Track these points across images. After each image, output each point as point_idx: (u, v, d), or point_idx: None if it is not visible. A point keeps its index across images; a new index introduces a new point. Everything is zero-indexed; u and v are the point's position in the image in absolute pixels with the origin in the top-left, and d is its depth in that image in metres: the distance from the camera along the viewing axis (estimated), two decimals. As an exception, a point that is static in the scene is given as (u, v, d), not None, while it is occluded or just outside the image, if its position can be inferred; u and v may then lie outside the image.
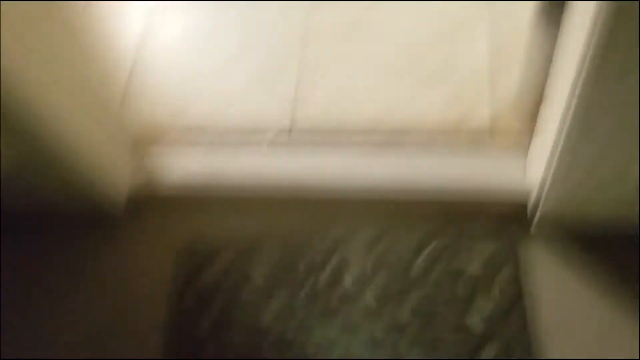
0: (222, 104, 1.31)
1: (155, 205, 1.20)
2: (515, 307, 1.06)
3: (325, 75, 1.31)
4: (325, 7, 1.42)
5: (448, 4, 1.36)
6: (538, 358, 0.99)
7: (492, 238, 1.11)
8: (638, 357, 0.71)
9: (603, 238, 1.07)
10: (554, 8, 0.89)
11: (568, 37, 0.82)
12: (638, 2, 0.57)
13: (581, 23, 0.73)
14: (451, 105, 1.22)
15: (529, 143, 1.09)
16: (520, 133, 1.13)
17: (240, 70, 1.36)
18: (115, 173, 1.17)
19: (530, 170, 1.09)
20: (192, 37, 1.44)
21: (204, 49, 1.42)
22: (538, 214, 1.06)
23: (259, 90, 1.32)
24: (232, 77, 1.35)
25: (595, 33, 0.68)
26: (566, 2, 0.82)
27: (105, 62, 1.15)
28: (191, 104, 1.32)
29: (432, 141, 1.17)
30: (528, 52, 1.04)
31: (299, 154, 1.18)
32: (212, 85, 1.34)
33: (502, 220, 1.11)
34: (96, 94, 1.11)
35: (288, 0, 1.44)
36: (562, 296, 1.05)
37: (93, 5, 1.41)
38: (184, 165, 1.20)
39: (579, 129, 0.81)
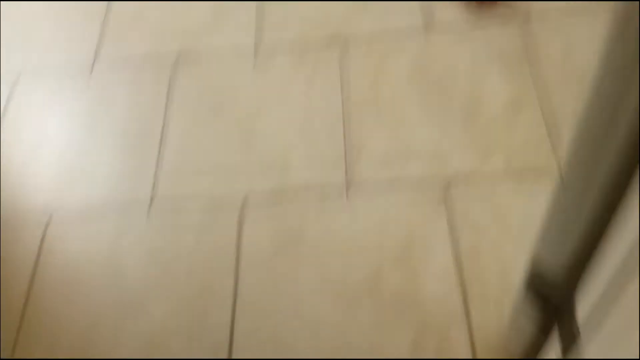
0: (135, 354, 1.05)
1: None
2: None
3: (264, 313, 1.08)
4: (260, 217, 1.20)
5: (399, 209, 1.17)
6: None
7: None
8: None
9: None
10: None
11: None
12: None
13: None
14: (422, 339, 1.00)
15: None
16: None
17: (157, 305, 1.12)
18: None
19: None
20: (95, 262, 1.20)
21: (111, 280, 1.17)
22: None
23: (181, 334, 1.07)
24: (147, 314, 1.10)
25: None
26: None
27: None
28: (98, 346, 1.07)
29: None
30: (513, 313, 0.83)
31: None
32: (121, 326, 1.09)
33: None
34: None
35: (215, 210, 1.23)
36: None
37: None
38: None
39: None
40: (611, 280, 0.54)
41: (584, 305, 0.61)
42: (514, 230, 1.09)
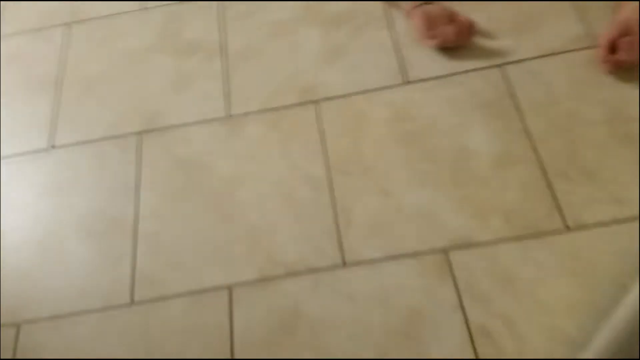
0: None
1: None
2: None
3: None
4: (251, 301, 1.12)
5: (399, 280, 1.11)
6: None
7: None
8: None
9: None
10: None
11: None
12: None
13: None
14: None
15: None
16: None
17: None
18: None
19: None
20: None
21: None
22: None
23: None
24: None
25: None
26: None
27: None
28: None
29: None
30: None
31: None
32: None
33: None
34: None
35: (206, 291, 1.14)
36: None
37: None
38: None
39: None
40: None
41: None
42: (523, 298, 1.05)
